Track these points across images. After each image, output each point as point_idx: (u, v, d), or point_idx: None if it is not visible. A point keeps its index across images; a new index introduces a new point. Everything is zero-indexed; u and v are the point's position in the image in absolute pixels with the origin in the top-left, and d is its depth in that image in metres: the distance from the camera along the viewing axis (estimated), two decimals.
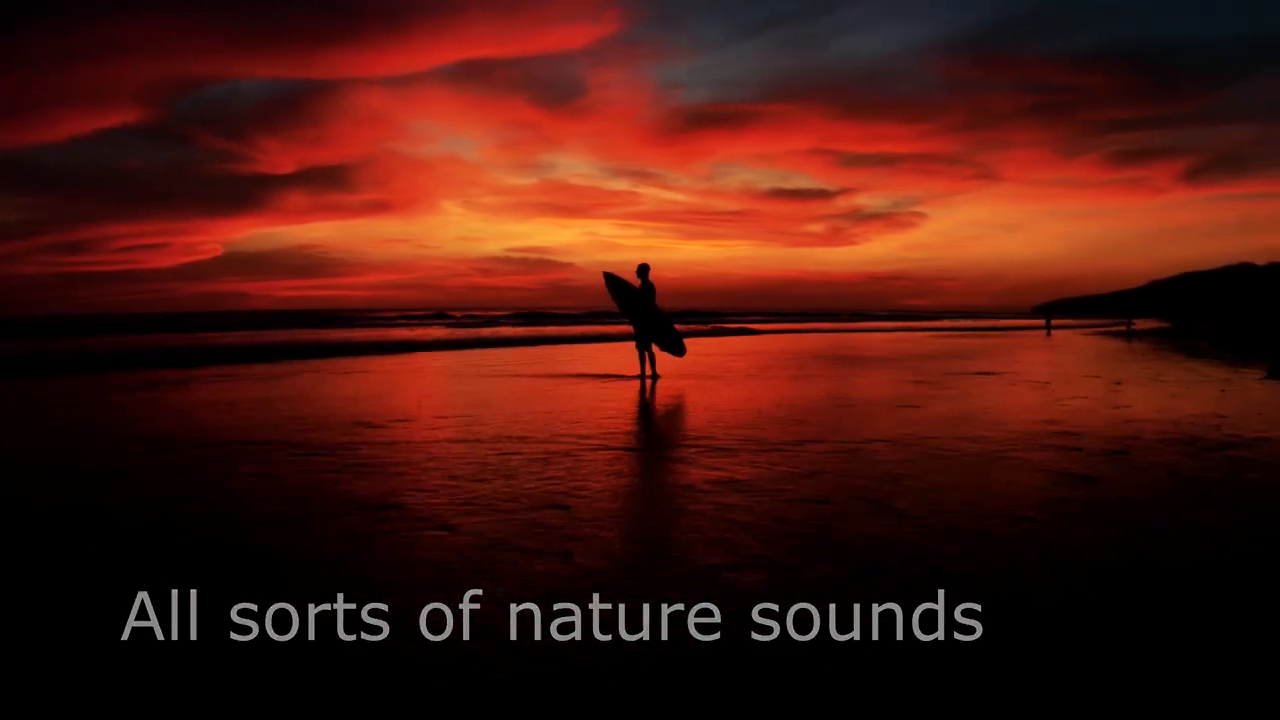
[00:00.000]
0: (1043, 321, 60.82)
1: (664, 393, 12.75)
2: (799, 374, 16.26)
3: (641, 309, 14.93)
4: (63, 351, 24.75)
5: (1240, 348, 24.46)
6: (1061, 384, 13.87)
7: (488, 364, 19.72)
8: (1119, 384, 13.81)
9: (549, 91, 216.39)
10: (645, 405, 11.33)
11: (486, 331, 42.35)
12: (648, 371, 15.02)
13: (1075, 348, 27.93)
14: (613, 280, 15.51)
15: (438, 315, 79.10)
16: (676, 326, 16.02)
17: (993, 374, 15.84)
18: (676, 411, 10.84)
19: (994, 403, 11.20)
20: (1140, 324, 69.16)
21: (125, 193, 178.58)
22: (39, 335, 37.49)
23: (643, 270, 15.00)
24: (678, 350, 15.73)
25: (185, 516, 5.23)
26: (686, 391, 12.74)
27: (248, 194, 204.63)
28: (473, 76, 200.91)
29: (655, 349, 15.28)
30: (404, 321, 63.55)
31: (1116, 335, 40.94)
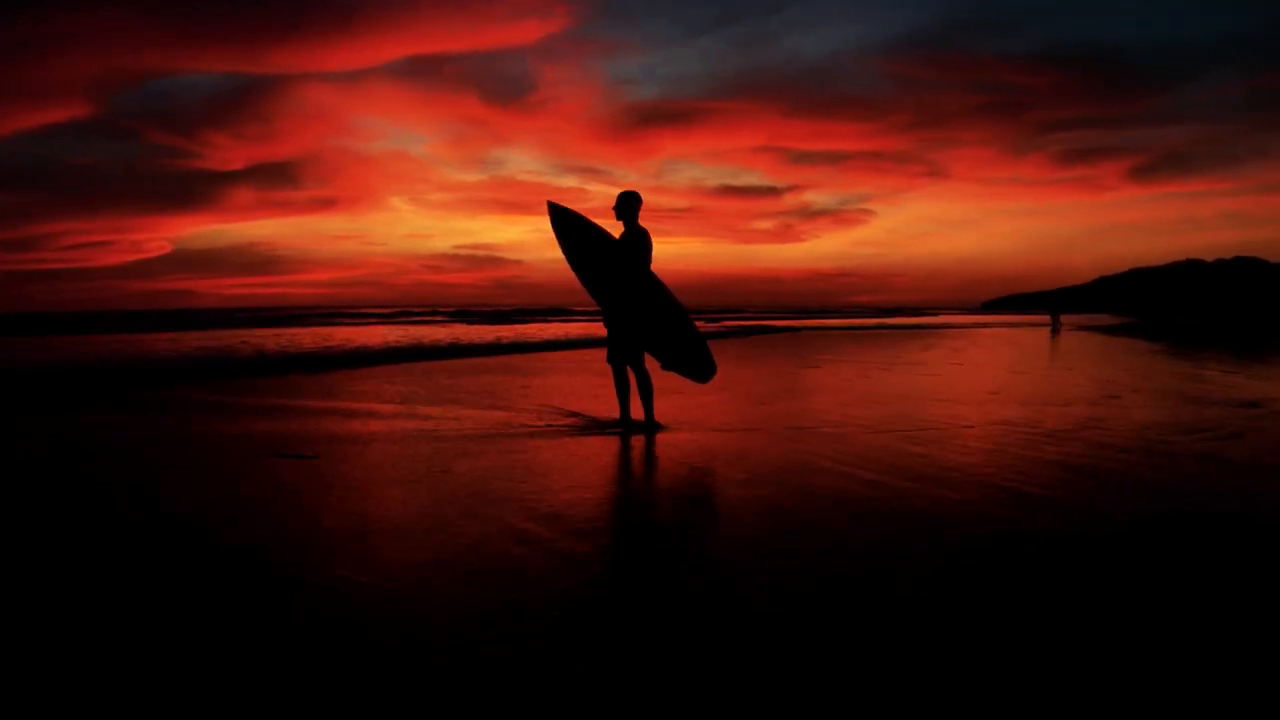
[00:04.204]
0: (1047, 318, 52.55)
1: (672, 473, 4.84)
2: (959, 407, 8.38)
3: (622, 280, 6.89)
4: None
5: None
6: None
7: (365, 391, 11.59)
8: None
9: (498, 88, 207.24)
10: (621, 526, 3.39)
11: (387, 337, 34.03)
12: (634, 412, 7.06)
13: (1161, 356, 20.27)
14: (564, 219, 6.99)
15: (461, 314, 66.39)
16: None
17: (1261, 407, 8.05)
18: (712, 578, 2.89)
19: None
20: (1109, 320, 61.14)
21: (71, 189, 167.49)
22: None
23: (626, 205, 6.86)
24: (702, 369, 7.23)
25: None
26: (721, 471, 4.84)
27: (196, 190, 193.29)
28: (422, 72, 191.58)
29: (649, 365, 7.12)
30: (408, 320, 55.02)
31: (1109, 331, 33.40)
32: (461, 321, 48.33)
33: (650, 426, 6.83)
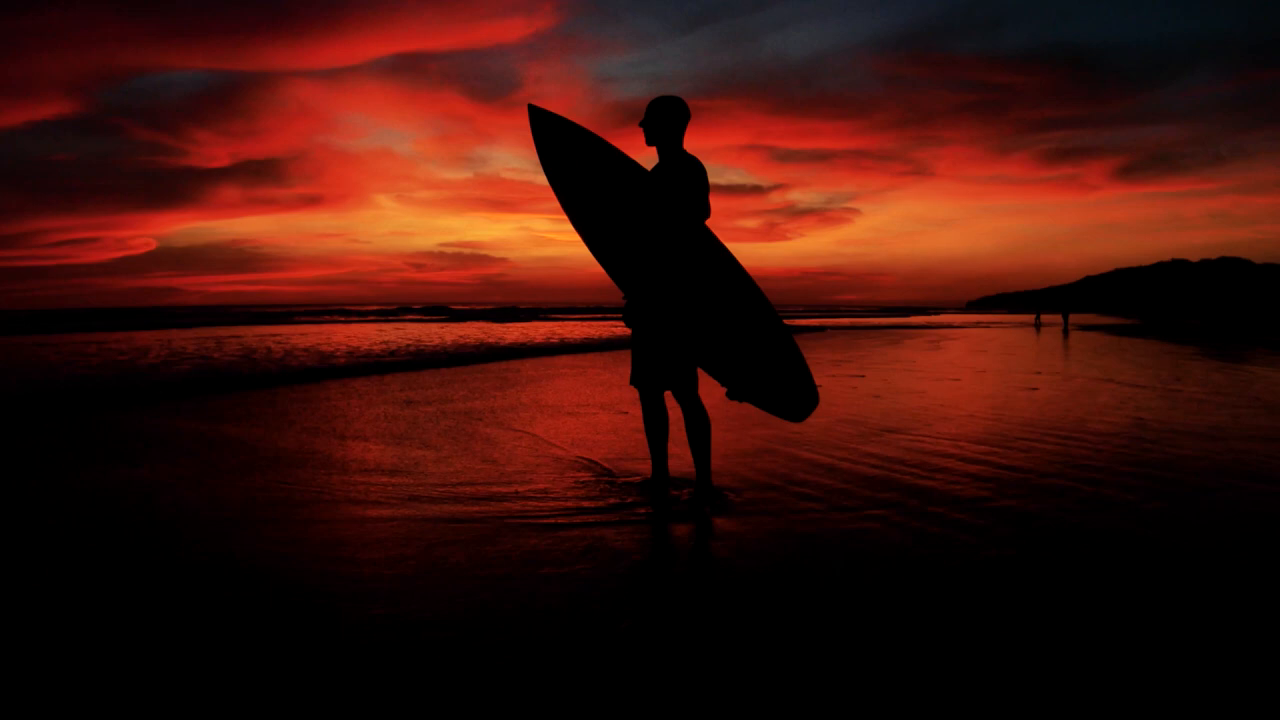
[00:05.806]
0: (1052, 318, 49.55)
1: (752, 647, 2.02)
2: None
3: (657, 240, 3.78)
4: None
5: None
6: None
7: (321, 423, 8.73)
8: None
9: (483, 85, 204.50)
10: None
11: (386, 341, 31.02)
12: (671, 469, 4.26)
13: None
14: (555, 132, 3.82)
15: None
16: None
17: None
18: None
19: None
20: (1102, 320, 57.79)
21: (56, 186, 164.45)
22: None
23: (663, 117, 3.90)
24: (798, 400, 3.83)
25: None
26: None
27: (180, 188, 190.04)
28: (406, 70, 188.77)
29: (699, 389, 4.05)
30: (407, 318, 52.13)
31: (1125, 330, 30.61)
32: (450, 320, 45.50)
33: (703, 498, 3.97)
